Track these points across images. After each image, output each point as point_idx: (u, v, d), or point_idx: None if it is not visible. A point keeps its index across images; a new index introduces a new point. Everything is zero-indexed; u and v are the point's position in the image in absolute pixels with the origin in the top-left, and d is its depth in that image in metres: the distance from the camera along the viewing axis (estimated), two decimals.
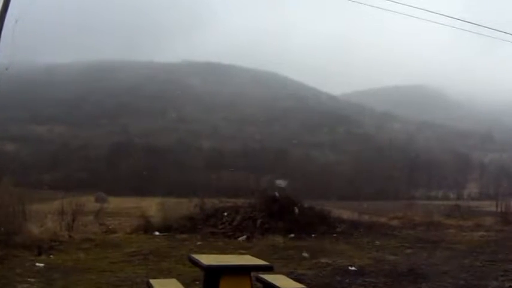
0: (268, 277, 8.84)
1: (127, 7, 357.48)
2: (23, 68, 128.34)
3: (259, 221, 21.65)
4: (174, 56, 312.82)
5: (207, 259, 8.23)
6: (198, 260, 8.03)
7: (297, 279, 11.20)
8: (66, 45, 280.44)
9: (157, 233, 21.02)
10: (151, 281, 9.24)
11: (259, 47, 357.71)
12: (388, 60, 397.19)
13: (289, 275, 11.46)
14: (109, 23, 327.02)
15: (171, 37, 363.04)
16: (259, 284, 9.08)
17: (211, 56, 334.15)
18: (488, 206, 38.86)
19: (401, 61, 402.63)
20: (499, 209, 30.87)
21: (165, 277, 12.39)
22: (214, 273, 7.66)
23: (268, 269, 8.35)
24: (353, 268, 14.43)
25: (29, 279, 12.04)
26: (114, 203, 47.16)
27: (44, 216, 20.35)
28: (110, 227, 22.69)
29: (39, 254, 15.19)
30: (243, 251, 16.58)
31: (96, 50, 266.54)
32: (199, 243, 19.09)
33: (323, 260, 15.53)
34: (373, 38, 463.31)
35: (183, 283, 9.41)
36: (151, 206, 36.60)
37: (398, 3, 23.54)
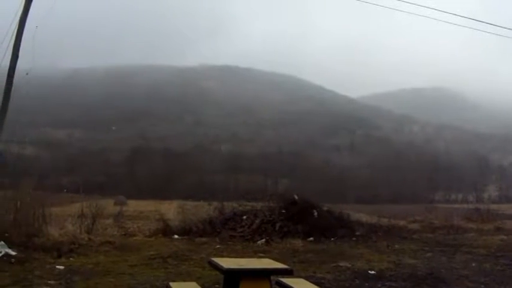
0: (288, 281, 8.81)
1: (148, 12, 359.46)
2: (44, 73, 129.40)
3: (278, 225, 21.60)
4: (192, 59, 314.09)
5: (227, 262, 8.23)
6: (217, 263, 8.03)
7: (317, 283, 11.14)
8: (87, 50, 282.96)
9: (176, 236, 21.05)
10: (171, 284, 9.25)
11: (277, 50, 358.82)
12: (407, 62, 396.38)
13: (309, 278, 11.40)
14: (130, 28, 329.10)
15: (190, 41, 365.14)
16: None
17: (229, 60, 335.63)
18: (508, 209, 38.61)
19: (420, 63, 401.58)
20: None
21: (185, 280, 12.40)
22: (234, 277, 7.65)
23: (287, 273, 8.31)
24: (372, 272, 14.34)
25: (49, 282, 12.08)
26: (133, 206, 47.34)
27: (64, 219, 20.46)
28: (129, 230, 22.76)
29: (59, 256, 15.24)
30: (262, 255, 16.56)
31: (117, 55, 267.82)
32: (218, 246, 19.10)
33: (342, 264, 15.44)
34: (392, 40, 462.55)
35: (202, 286, 9.42)
36: (170, 209, 36.70)
37: (417, 4, 23.46)
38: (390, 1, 24.14)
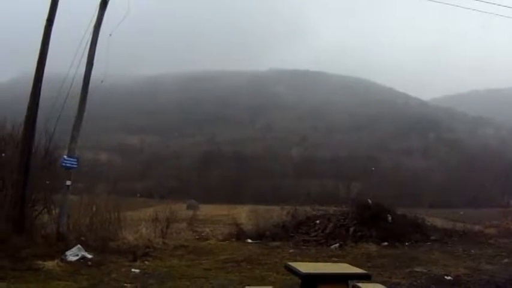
0: (365, 286, 8.66)
1: (222, 19, 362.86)
2: (119, 81, 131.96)
3: (351, 229, 21.41)
4: (264, 64, 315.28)
5: (304, 267, 8.16)
6: (295, 268, 7.96)
7: None
8: (162, 58, 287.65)
9: (249, 241, 21.07)
10: None
11: (348, 53, 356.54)
12: (481, 62, 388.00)
13: (384, 283, 11.20)
14: (206, 34, 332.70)
15: (263, 46, 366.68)
16: None
17: (300, 64, 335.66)
18: None
19: (495, 63, 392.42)
20: None
21: (259, 284, 12.39)
22: (312, 281, 7.57)
23: (365, 278, 8.20)
24: (449, 277, 14.01)
25: (125, 285, 12.25)
26: (205, 210, 47.66)
27: (138, 223, 20.74)
28: (202, 234, 22.90)
29: (135, 260, 15.44)
30: (336, 259, 16.44)
31: (193, 62, 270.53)
32: (291, 250, 19.03)
33: (418, 269, 15.17)
34: (465, 40, 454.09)
35: None
36: (242, 214, 36.80)
37: (491, 3, 22.98)
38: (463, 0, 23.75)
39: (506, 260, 17.47)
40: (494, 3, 23.01)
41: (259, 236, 21.69)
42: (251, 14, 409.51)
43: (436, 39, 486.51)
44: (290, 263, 8.56)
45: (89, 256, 15.12)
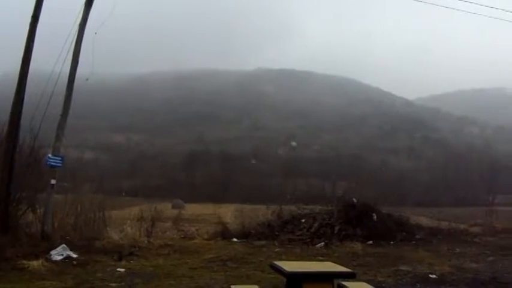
0: (350, 284, 8.69)
1: (211, 18, 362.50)
2: (105, 79, 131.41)
3: (337, 228, 21.47)
4: (252, 63, 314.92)
5: (289, 266, 8.18)
6: (280, 267, 7.98)
7: (378, 287, 11.03)
8: (150, 56, 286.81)
9: (235, 239, 21.06)
10: (233, 287, 9.27)
11: (335, 53, 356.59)
12: (466, 62, 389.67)
13: (369, 282, 11.22)
14: (194, 34, 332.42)
15: (251, 45, 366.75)
16: None
17: (288, 63, 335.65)
18: None
19: (481, 63, 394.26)
20: None
21: (244, 283, 12.40)
22: (297, 280, 7.59)
23: (350, 276, 8.23)
24: (434, 276, 14.12)
25: (110, 284, 12.23)
26: (191, 209, 47.53)
27: (123, 222, 20.67)
28: (188, 233, 22.86)
29: (120, 259, 15.42)
30: (321, 258, 16.48)
31: (181, 61, 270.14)
32: (277, 249, 19.05)
33: (403, 268, 15.27)
34: (451, 40, 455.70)
35: None
36: (228, 213, 36.78)
37: (478, 4, 23.08)
38: (450, 0, 23.82)
39: (490, 258, 17.63)
40: (478, 4, 23.12)
41: (245, 235, 21.69)
42: (239, 14, 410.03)
43: (421, 39, 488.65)
44: (275, 262, 8.58)
45: (74, 255, 15.08)
